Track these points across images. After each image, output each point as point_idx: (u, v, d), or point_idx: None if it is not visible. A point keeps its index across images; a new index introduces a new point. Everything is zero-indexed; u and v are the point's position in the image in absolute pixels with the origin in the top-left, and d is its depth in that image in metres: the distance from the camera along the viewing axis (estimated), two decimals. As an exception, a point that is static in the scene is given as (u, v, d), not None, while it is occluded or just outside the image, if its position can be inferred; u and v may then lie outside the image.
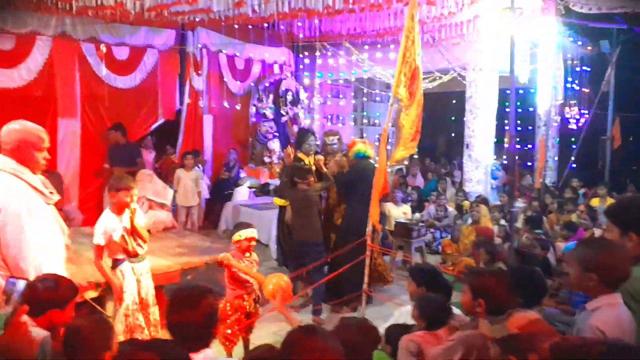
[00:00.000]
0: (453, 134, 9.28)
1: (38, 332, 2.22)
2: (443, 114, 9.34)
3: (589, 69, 10.12)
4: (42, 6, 5.75)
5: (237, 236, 3.96)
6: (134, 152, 7.20)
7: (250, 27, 8.18)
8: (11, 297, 2.42)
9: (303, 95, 9.99)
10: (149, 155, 8.14)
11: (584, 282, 2.05)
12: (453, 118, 9.39)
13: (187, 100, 8.41)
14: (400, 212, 7.07)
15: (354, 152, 5.33)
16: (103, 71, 7.36)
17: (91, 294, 3.97)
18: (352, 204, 5.16)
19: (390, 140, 6.38)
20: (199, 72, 8.50)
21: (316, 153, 5.78)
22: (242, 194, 8.43)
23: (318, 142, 5.72)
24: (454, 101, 9.30)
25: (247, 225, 4.13)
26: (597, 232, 5.80)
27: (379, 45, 8.62)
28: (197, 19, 6.65)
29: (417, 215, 7.35)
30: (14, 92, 6.68)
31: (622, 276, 2.04)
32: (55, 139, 7.08)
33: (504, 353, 1.83)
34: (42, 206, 2.78)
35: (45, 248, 2.75)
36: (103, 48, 7.26)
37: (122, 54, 7.59)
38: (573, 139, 9.71)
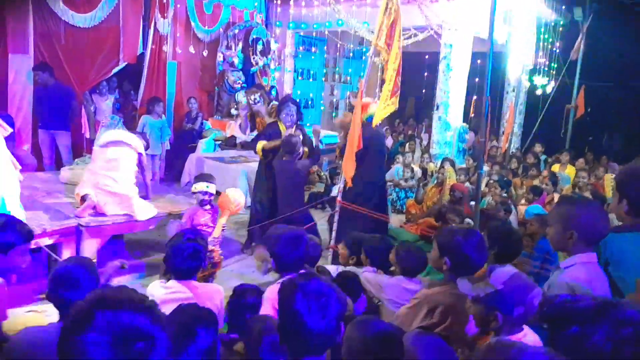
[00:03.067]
0: (423, 96, 9.21)
1: None
2: (414, 74, 9.23)
3: (561, 36, 10.14)
4: None
5: (203, 186, 3.96)
6: (66, 95, 6.63)
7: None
8: None
9: (274, 45, 9.63)
10: (104, 102, 7.73)
11: (564, 239, 2.09)
12: (425, 79, 9.30)
13: (150, 44, 7.96)
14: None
15: (367, 115, 4.84)
16: (59, 6, 6.83)
17: (46, 241, 3.82)
18: (363, 172, 4.59)
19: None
20: (165, 15, 8.02)
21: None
22: (206, 146, 8.21)
23: (294, 115, 5.32)
24: (426, 61, 9.19)
25: (208, 177, 4.08)
26: (557, 198, 5.96)
27: (355, -2, 8.34)
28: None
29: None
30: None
31: (601, 234, 2.09)
32: (5, 77, 6.60)
33: (489, 310, 1.82)
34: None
35: (4, 184, 2.68)
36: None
37: (81, -11, 7.03)
38: (540, 106, 9.83)
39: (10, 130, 2.76)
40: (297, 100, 5.80)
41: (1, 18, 6.43)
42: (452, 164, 7.13)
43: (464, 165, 7.58)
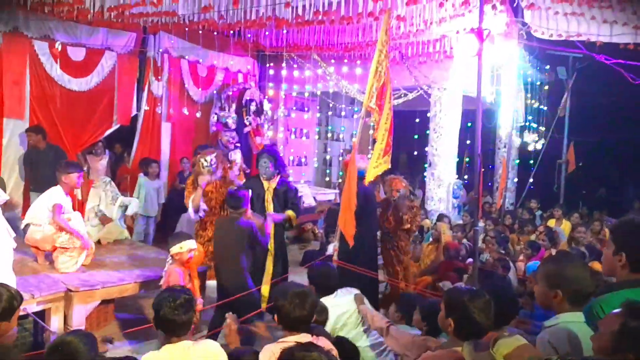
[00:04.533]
0: (415, 152, 9.32)
1: None
2: (406, 131, 9.40)
3: (547, 94, 10.44)
4: (-8, -1, 5.36)
5: (177, 248, 3.81)
6: (57, 157, 6.46)
7: (215, 33, 7.96)
8: None
9: (267, 106, 9.81)
10: (98, 162, 7.73)
11: (549, 298, 2.08)
12: (416, 136, 9.44)
13: (144, 106, 8.06)
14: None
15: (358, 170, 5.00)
16: (56, 71, 6.95)
17: (34, 307, 3.68)
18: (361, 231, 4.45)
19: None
20: (159, 77, 8.18)
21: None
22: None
23: (268, 167, 5.17)
24: (417, 119, 9.38)
25: (187, 237, 3.99)
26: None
27: (345, 60, 8.58)
28: (160, 22, 6.38)
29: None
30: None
31: (586, 292, 2.04)
32: (0, 140, 6.61)
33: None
34: None
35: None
36: (58, 46, 6.85)
37: (78, 54, 7.18)
38: (531, 161, 9.95)
39: (7, 197, 2.72)
40: (275, 152, 5.54)
41: (-1, 83, 6.52)
42: (448, 221, 7.08)
43: (460, 222, 7.52)
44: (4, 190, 6.09)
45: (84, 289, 3.95)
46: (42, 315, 3.83)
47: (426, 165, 8.33)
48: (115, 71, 7.60)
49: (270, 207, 5.19)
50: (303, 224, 8.35)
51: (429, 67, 8.03)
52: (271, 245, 5.09)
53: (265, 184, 5.20)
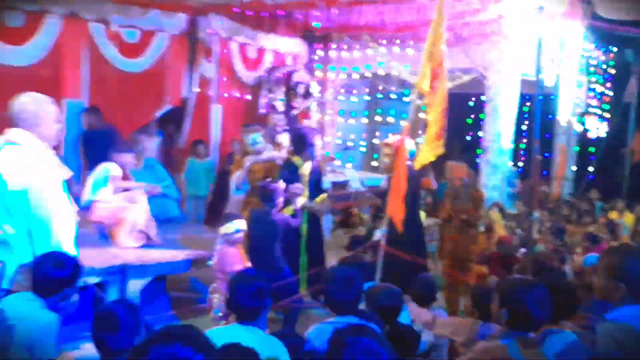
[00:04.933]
0: (468, 137, 9.01)
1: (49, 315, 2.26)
2: (459, 115, 9.09)
3: (612, 78, 9.81)
4: (53, -18, 5.52)
5: (225, 228, 3.89)
6: (112, 137, 6.77)
7: (264, 15, 7.91)
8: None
9: (316, 88, 9.73)
10: (150, 143, 7.92)
11: (611, 291, 2.05)
12: (469, 121, 9.11)
13: (195, 87, 8.17)
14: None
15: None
16: (112, 53, 7.14)
17: (94, 279, 3.85)
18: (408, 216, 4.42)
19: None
20: (210, 59, 8.24)
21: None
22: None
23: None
24: (471, 103, 9.04)
25: (236, 217, 4.02)
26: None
27: (397, 41, 8.34)
28: (210, 3, 6.40)
29: (430, 220, 7.07)
30: (22, 71, 6.46)
31: None
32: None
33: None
34: (61, 181, 2.76)
35: (66, 225, 2.74)
36: (113, 29, 7.02)
37: (131, 36, 7.35)
38: (592, 150, 9.41)
39: (71, 172, 2.84)
40: (302, 130, 5.55)
41: (58, 65, 6.76)
42: (502, 210, 6.81)
43: (514, 211, 7.24)
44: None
45: (139, 264, 4.08)
46: (100, 287, 4.01)
47: (480, 152, 8.03)
48: (167, 52, 7.73)
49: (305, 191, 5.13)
50: (350, 208, 8.28)
51: (485, 48, 7.68)
52: (305, 231, 5.05)
53: (301, 165, 5.13)
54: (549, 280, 2.69)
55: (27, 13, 6.42)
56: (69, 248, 2.72)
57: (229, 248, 3.94)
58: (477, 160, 8.17)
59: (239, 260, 3.89)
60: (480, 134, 8.09)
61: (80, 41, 6.91)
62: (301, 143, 5.22)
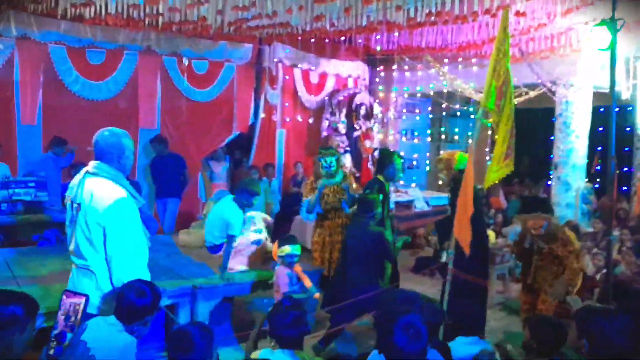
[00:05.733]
0: (539, 154, 8.66)
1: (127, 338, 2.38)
2: (528, 131, 8.77)
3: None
4: (131, 22, 5.98)
5: (279, 250, 4.03)
6: (178, 164, 7.13)
7: (326, 40, 8.11)
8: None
9: (377, 109, 9.77)
10: (219, 167, 8.26)
11: None
12: (540, 137, 8.78)
13: (261, 114, 8.47)
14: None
15: (457, 163, 4.73)
16: (183, 84, 7.58)
17: (165, 301, 4.00)
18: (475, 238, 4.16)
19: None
20: (274, 86, 8.54)
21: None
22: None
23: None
24: (540, 118, 8.72)
25: (291, 241, 4.06)
26: None
27: (460, 59, 8.25)
28: (274, 33, 6.65)
29: (501, 240, 6.85)
30: (101, 104, 7.03)
31: None
32: (136, 148, 7.33)
33: None
34: (137, 210, 2.90)
35: (139, 252, 2.89)
36: (185, 62, 7.48)
37: (201, 68, 7.78)
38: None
39: (142, 201, 3.01)
40: (383, 152, 5.40)
41: (135, 96, 7.27)
42: (576, 229, 6.47)
43: (590, 230, 6.85)
44: (140, 193, 6.76)
45: (207, 287, 4.21)
46: (171, 308, 4.16)
47: (552, 169, 7.70)
48: (235, 82, 8.11)
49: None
50: (415, 229, 8.17)
51: (552, 62, 7.42)
52: None
53: (386, 184, 5.12)
54: (633, 306, 2.54)
55: (107, 51, 6.98)
56: (144, 274, 2.86)
57: (285, 269, 4.03)
58: (550, 178, 7.84)
59: (290, 283, 3.99)
60: (552, 150, 7.76)
61: (155, 74, 7.41)
62: (385, 162, 5.22)
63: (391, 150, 5.79)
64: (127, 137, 2.94)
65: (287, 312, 2.55)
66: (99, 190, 2.76)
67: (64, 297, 2.39)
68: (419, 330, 1.99)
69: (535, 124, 8.91)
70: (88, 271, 2.80)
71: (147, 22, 6.01)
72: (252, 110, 8.40)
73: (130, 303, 2.47)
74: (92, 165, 2.84)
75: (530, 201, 4.71)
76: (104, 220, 2.72)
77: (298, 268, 4.09)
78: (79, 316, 2.31)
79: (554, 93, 7.40)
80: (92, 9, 5.31)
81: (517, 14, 5.58)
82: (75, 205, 2.80)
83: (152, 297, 2.55)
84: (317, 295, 4.11)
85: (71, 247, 2.88)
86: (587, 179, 7.80)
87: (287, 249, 3.99)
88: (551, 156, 7.81)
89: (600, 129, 7.22)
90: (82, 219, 2.76)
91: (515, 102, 7.40)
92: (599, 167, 8.79)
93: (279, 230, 8.24)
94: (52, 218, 5.84)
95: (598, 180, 8.59)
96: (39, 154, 6.61)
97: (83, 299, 2.35)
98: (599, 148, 7.89)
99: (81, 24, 6.46)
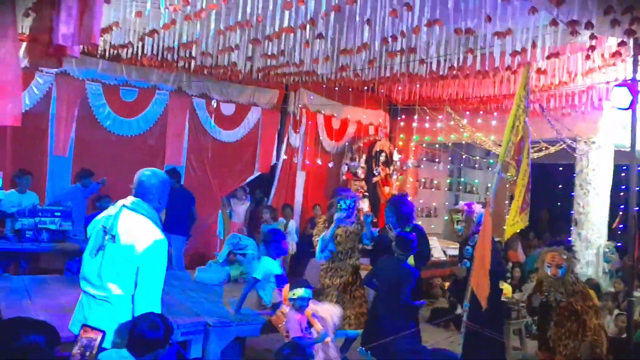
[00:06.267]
0: (558, 208, 8.59)
1: None
2: (548, 186, 8.74)
3: None
4: (165, 63, 6.28)
5: (290, 294, 3.98)
6: (187, 200, 7.06)
7: (350, 89, 8.36)
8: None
9: (396, 157, 9.90)
10: (240, 206, 8.40)
11: None
12: (559, 192, 8.74)
13: (283, 156, 8.66)
14: (498, 292, 6.46)
15: (478, 217, 4.85)
16: (210, 125, 7.85)
17: (178, 337, 4.01)
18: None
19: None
20: (297, 130, 8.77)
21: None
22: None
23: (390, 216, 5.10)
24: (560, 173, 8.70)
25: (303, 285, 4.05)
26: None
27: (480, 112, 8.37)
28: (300, 80, 6.90)
29: (518, 294, 6.73)
30: (131, 140, 7.29)
31: None
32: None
33: None
34: (167, 251, 2.96)
35: (159, 293, 2.92)
36: (214, 103, 7.78)
37: (228, 110, 8.07)
38: None
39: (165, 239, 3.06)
40: (396, 201, 5.30)
41: (163, 133, 7.53)
42: (597, 288, 6.34)
43: (611, 289, 6.70)
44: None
45: (220, 325, 4.22)
46: (183, 345, 4.17)
47: (572, 225, 7.62)
48: (260, 124, 8.38)
49: None
50: (432, 278, 8.09)
51: (573, 119, 7.49)
52: None
53: (391, 234, 5.11)
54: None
55: (139, 89, 7.30)
56: (158, 308, 2.87)
57: (294, 313, 4.01)
58: (570, 234, 7.74)
59: (300, 328, 3.96)
60: (573, 206, 7.71)
61: (184, 113, 7.70)
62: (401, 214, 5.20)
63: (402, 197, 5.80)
64: (168, 180, 3.04)
65: (287, 358, 2.59)
66: (138, 228, 2.81)
67: (81, 331, 2.39)
68: None
69: (555, 179, 8.89)
70: (105, 302, 2.80)
71: (180, 65, 6.32)
72: (274, 152, 8.60)
73: (142, 335, 2.48)
74: (130, 200, 2.90)
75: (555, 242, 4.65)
76: (141, 259, 2.75)
77: (309, 312, 4.09)
78: (94, 352, 2.32)
79: (574, 149, 7.42)
80: (130, 50, 5.62)
81: (539, 71, 5.70)
82: (108, 236, 2.82)
83: (164, 330, 2.56)
84: (327, 339, 4.09)
85: (89, 275, 2.87)
86: (607, 238, 7.67)
87: (298, 292, 3.99)
88: (571, 212, 7.74)
89: (623, 187, 7.18)
90: (115, 252, 2.78)
91: (535, 157, 7.47)
92: (621, 226, 8.65)
93: (295, 271, 8.26)
94: (80, 248, 5.95)
95: (622, 239, 8.45)
96: (67, 185, 6.84)
97: (100, 335, 2.34)
98: (622, 206, 7.81)
99: (118, 63, 6.81)
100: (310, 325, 4.10)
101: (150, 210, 2.88)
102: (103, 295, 2.80)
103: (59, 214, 6.04)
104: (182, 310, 4.32)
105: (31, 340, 1.79)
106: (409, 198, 10.00)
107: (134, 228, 2.81)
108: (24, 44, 6.34)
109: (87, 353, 1.92)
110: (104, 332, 2.39)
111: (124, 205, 2.89)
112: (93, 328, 2.12)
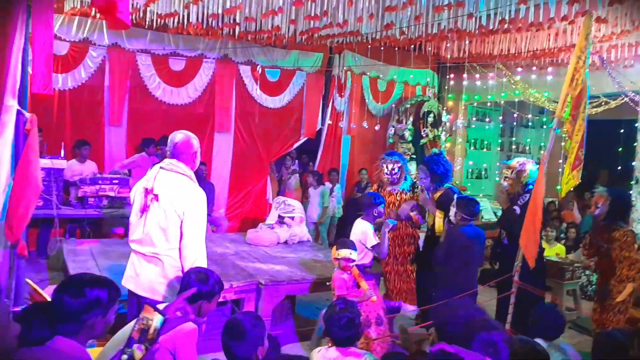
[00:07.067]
0: (619, 167, 8.16)
1: (191, 325, 2.36)
2: (607, 143, 8.30)
3: None
4: (210, 31, 6.33)
5: (334, 253, 4.04)
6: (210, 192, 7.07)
7: (396, 49, 8.15)
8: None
9: (445, 117, 9.65)
10: (286, 172, 8.52)
11: None
12: (620, 149, 8.29)
13: (328, 120, 8.64)
14: (552, 253, 6.32)
15: (528, 177, 4.59)
16: (257, 91, 7.90)
17: (232, 296, 4.19)
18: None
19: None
20: (342, 94, 8.68)
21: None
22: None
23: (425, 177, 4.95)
24: (621, 130, 8.24)
25: (347, 245, 4.07)
26: None
27: (534, 68, 7.99)
28: (345, 42, 6.78)
29: (572, 255, 6.55)
30: (181, 109, 7.48)
31: None
32: (211, 151, 7.75)
33: None
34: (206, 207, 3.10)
35: (203, 244, 3.07)
36: (259, 69, 7.81)
37: (273, 75, 8.08)
38: None
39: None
40: (431, 160, 5.11)
41: (212, 101, 7.68)
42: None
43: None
44: (214, 192, 7.07)
45: (272, 283, 4.37)
46: (237, 303, 4.36)
47: (632, 183, 7.26)
48: (304, 89, 8.36)
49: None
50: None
51: (636, 71, 7.02)
52: None
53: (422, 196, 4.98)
54: None
55: (187, 59, 7.43)
56: (204, 263, 3.02)
57: (340, 272, 4.08)
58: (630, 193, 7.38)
59: (345, 286, 4.03)
60: (633, 163, 7.32)
61: (231, 81, 7.79)
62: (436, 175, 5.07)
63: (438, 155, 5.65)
64: (197, 141, 3.17)
65: (339, 314, 2.65)
66: (179, 185, 2.98)
67: (143, 310, 2.28)
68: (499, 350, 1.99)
69: (616, 136, 8.42)
70: (155, 259, 2.98)
71: (224, 32, 6.36)
72: (319, 117, 8.59)
73: (190, 286, 2.55)
74: (167, 162, 3.05)
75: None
76: (185, 210, 2.92)
77: (355, 271, 4.14)
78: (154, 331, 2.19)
79: (637, 103, 6.98)
80: (175, 19, 5.70)
81: (598, 20, 5.35)
82: (150, 196, 2.99)
83: (212, 285, 2.66)
84: (374, 298, 4.13)
85: (137, 235, 3.05)
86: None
87: (343, 252, 4.05)
88: (632, 168, 7.36)
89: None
90: (159, 209, 2.95)
91: (593, 112, 7.09)
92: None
93: (341, 235, 8.36)
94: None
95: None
96: (123, 154, 7.16)
97: (159, 318, 2.05)
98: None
99: (165, 33, 6.94)
100: (356, 283, 4.17)
101: (185, 169, 3.03)
102: (153, 252, 2.99)
103: (117, 181, 6.35)
104: (236, 270, 4.50)
105: (95, 295, 1.85)
106: (457, 159, 9.84)
107: (173, 186, 2.97)
108: (76, 18, 6.62)
109: (146, 333, 1.85)
110: (164, 315, 2.22)
111: (161, 167, 3.05)
112: (155, 309, 2.04)
